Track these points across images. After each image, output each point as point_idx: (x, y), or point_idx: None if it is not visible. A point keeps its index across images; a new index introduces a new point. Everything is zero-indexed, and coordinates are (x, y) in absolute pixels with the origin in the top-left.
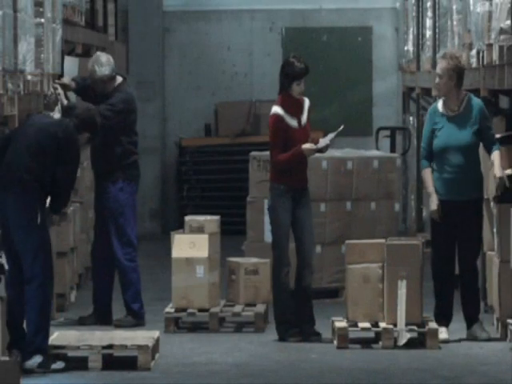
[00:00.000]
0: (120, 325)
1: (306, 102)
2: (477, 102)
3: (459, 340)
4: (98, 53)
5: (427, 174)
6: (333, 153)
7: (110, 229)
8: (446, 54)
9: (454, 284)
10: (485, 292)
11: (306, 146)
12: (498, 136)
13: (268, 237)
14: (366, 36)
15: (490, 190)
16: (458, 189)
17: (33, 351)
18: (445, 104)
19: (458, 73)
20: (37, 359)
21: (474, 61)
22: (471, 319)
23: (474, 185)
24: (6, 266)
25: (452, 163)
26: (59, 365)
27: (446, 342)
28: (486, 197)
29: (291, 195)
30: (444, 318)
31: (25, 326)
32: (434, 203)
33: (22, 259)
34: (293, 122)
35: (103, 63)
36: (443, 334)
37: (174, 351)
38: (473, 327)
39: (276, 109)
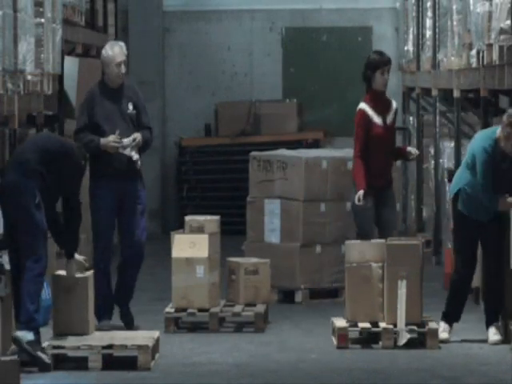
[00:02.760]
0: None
1: (393, 105)
2: None
3: (459, 340)
4: (111, 41)
5: (506, 198)
6: (333, 153)
7: (140, 227)
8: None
9: (468, 290)
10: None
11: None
12: None
13: (268, 237)
14: (366, 36)
15: None
16: (488, 210)
17: (30, 326)
18: (503, 150)
19: None
20: (29, 336)
21: (473, 61)
22: (490, 319)
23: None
24: (8, 266)
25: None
26: (46, 359)
27: (445, 342)
28: None
29: (372, 193)
30: (453, 319)
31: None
32: None
33: (21, 240)
34: (377, 119)
35: (122, 45)
36: (443, 334)
37: (174, 351)
38: (489, 328)
39: (362, 104)
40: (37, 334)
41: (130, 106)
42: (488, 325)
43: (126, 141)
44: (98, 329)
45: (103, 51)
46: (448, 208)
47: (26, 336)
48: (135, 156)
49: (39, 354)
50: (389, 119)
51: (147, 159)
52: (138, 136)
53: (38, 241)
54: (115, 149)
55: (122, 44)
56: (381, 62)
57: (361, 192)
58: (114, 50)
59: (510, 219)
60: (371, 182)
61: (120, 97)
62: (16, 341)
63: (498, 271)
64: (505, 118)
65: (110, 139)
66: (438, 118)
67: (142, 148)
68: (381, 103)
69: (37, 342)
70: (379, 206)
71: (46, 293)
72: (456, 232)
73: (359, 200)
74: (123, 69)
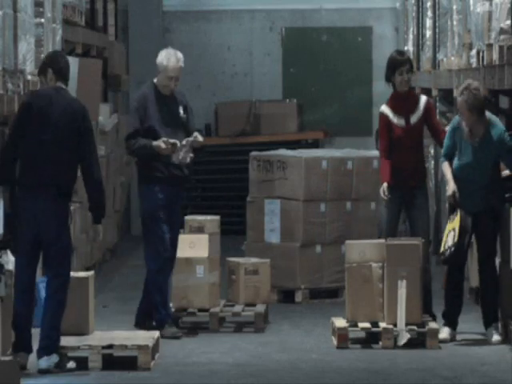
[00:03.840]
0: None
1: (422, 100)
2: (498, 128)
3: (459, 340)
4: (170, 50)
5: (446, 166)
6: (333, 153)
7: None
8: (465, 89)
9: (463, 289)
10: None
11: (384, 185)
12: None
13: (268, 237)
14: (366, 36)
15: None
16: (474, 202)
17: (50, 350)
18: (470, 132)
19: (477, 107)
20: (53, 359)
21: (474, 61)
22: (488, 320)
23: (492, 196)
24: (10, 267)
25: (472, 182)
26: (72, 364)
27: (445, 341)
28: None
29: (398, 195)
30: (451, 318)
31: (34, 328)
32: (450, 189)
33: (50, 257)
34: (399, 121)
35: (180, 58)
36: (443, 333)
37: (174, 351)
38: (488, 329)
39: (382, 107)
40: (57, 350)
41: (181, 110)
42: (487, 325)
43: (184, 142)
44: (164, 335)
45: (160, 56)
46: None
47: (51, 361)
48: (188, 158)
49: (68, 366)
50: (413, 119)
51: None
52: (198, 137)
53: (66, 262)
54: (169, 151)
55: (180, 57)
56: (397, 63)
57: (384, 185)
58: (170, 62)
59: (510, 216)
60: (396, 182)
61: (173, 100)
62: (44, 372)
63: (491, 269)
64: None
65: (163, 144)
66: (437, 117)
67: (198, 151)
68: (404, 104)
69: (61, 357)
70: (408, 207)
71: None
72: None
73: (384, 193)
74: (173, 84)
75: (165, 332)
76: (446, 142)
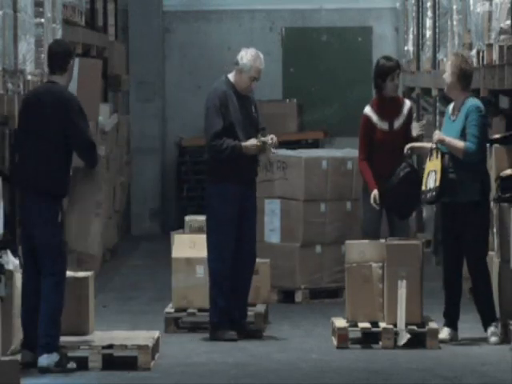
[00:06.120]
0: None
1: (405, 106)
2: (472, 103)
3: (459, 340)
4: (254, 50)
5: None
6: (333, 153)
7: (255, 237)
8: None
9: (461, 287)
10: None
11: (375, 192)
12: (497, 136)
13: (268, 237)
14: (366, 36)
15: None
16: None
17: (49, 348)
18: (454, 106)
19: (459, 73)
20: (54, 358)
21: (473, 61)
22: (486, 320)
23: (468, 187)
24: (10, 267)
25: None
26: (72, 365)
27: (445, 341)
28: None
29: (380, 197)
30: (450, 319)
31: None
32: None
33: (41, 256)
34: (382, 125)
35: (262, 59)
36: (443, 333)
37: (174, 351)
38: (487, 329)
39: (366, 109)
40: (57, 348)
41: (253, 109)
42: (486, 325)
43: (265, 139)
44: (222, 338)
45: (245, 57)
46: None
47: (51, 359)
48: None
49: (68, 366)
50: (397, 124)
51: (147, 159)
52: (274, 137)
53: (59, 261)
54: (258, 151)
55: (262, 58)
56: (389, 69)
57: (374, 192)
58: (256, 63)
59: (510, 215)
60: (378, 186)
61: (248, 99)
62: (44, 370)
63: (482, 268)
64: None
65: (254, 143)
66: (437, 118)
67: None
68: (389, 108)
69: (61, 356)
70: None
71: None
72: (442, 225)
73: (375, 201)
74: (254, 85)
75: (220, 334)
76: None
